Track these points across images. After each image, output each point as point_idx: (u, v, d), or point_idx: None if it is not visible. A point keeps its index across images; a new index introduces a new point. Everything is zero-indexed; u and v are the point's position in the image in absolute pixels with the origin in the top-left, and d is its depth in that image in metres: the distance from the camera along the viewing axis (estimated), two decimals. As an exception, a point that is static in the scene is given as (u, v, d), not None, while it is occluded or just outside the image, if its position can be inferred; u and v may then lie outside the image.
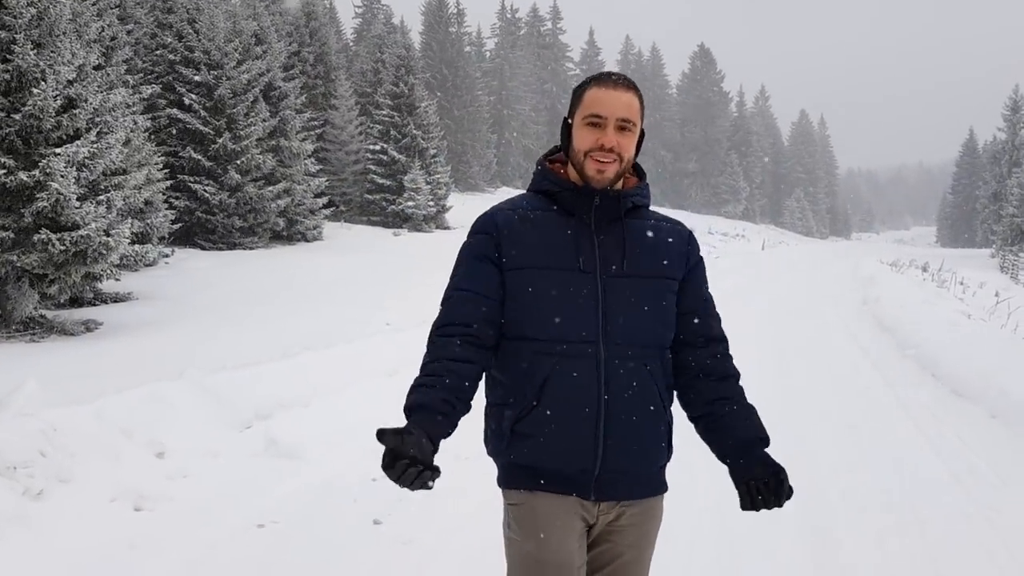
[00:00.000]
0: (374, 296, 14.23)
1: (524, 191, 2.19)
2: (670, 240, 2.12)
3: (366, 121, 35.19)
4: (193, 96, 21.32)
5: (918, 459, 5.67)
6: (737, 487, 2.04)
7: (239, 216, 21.66)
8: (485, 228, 2.06)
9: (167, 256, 17.80)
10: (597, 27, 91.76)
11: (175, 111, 21.02)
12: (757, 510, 2.01)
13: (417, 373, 1.96)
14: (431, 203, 33.21)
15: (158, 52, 21.76)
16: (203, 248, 20.99)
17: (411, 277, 17.65)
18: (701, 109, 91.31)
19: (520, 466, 2.00)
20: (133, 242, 13.46)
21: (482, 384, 2.07)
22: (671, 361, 2.12)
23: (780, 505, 1.98)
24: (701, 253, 2.19)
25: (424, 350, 2.00)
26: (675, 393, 2.17)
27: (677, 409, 2.17)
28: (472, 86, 61.72)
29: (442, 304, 2.07)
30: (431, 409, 1.85)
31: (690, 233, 2.23)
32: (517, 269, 1.99)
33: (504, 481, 2.07)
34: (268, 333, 9.67)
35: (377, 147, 33.76)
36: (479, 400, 2.07)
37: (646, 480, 2.06)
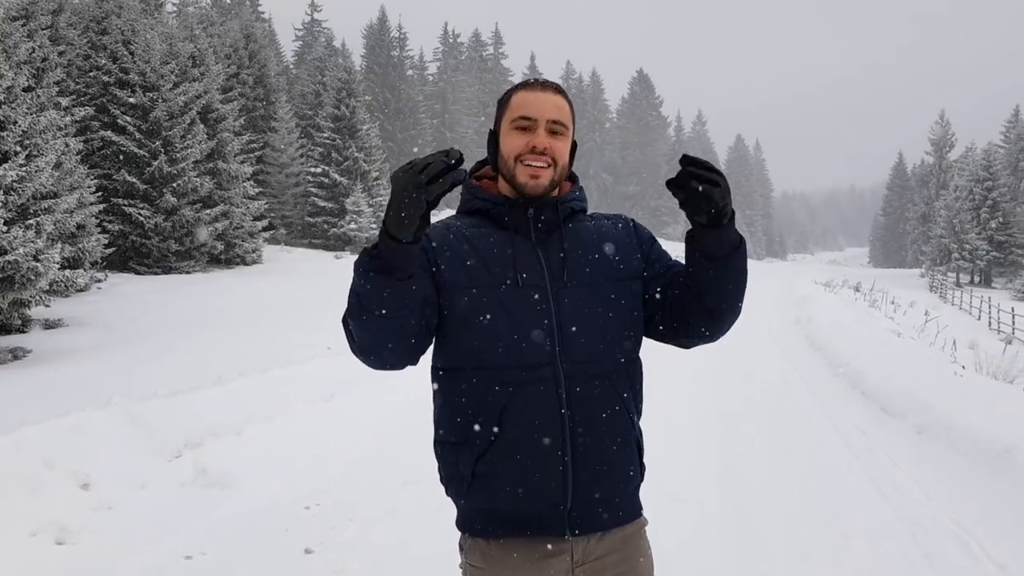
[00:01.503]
0: (314, 320, 14.07)
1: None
2: (615, 237, 1.93)
3: (307, 143, 34.99)
4: (128, 118, 20.96)
5: (847, 476, 5.80)
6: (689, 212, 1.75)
7: (175, 240, 21.27)
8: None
9: (100, 281, 17.39)
10: (538, 52, 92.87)
11: (109, 133, 20.64)
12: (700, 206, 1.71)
13: (348, 303, 1.72)
14: (374, 225, 33.07)
15: (92, 74, 21.37)
16: (138, 273, 20.56)
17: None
18: (640, 133, 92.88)
19: (483, 511, 1.80)
20: (64, 267, 13.14)
21: (428, 419, 1.90)
22: (640, 366, 1.94)
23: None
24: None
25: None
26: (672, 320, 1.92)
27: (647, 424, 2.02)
28: (415, 109, 61.84)
29: None
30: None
31: (631, 220, 2.03)
32: (456, 290, 1.77)
33: (466, 527, 1.86)
34: (202, 359, 9.50)
35: (318, 169, 33.56)
36: (414, 428, 2.02)
37: (622, 505, 1.87)
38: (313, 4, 66.28)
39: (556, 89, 1.86)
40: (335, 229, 32.60)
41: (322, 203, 33.08)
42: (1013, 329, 31.12)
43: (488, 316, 1.75)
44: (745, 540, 4.48)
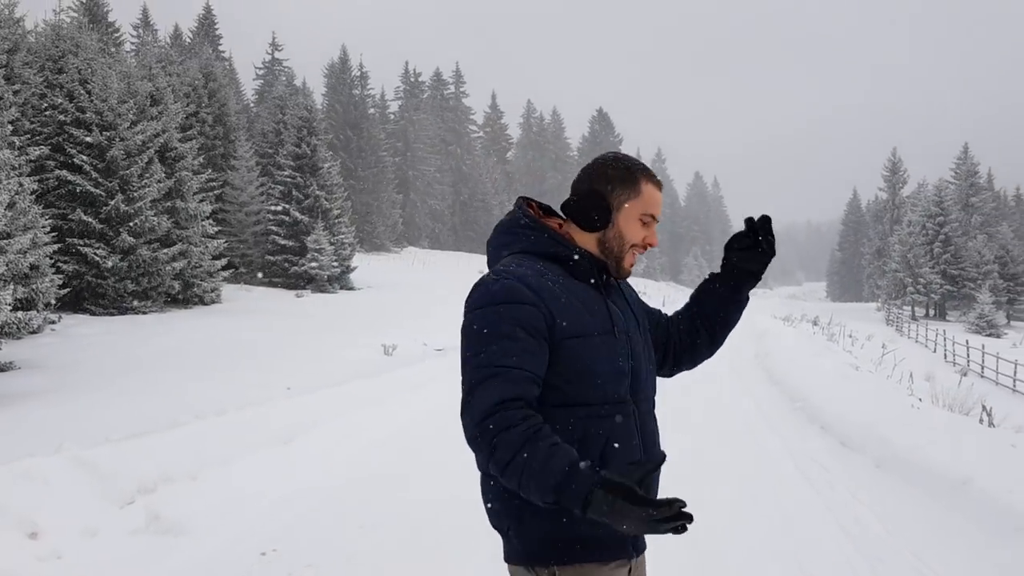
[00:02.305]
0: (273, 360, 13.91)
1: (503, 260, 2.04)
2: (635, 293, 2.26)
3: (267, 182, 34.81)
4: (84, 157, 20.67)
5: (808, 511, 5.82)
6: (739, 260, 2.29)
7: (131, 280, 20.94)
8: (525, 297, 1.86)
9: (54, 323, 17.03)
10: (499, 91, 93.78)
11: (65, 172, 20.32)
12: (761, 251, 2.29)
13: (513, 439, 1.71)
14: (335, 263, 32.89)
15: (47, 113, 21.09)
16: (93, 314, 20.15)
17: (315, 339, 17.36)
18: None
19: (583, 538, 1.88)
20: (16, 308, 12.85)
21: (467, 459, 1.95)
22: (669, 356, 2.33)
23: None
24: None
25: (488, 422, 1.74)
26: (686, 340, 2.34)
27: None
28: (376, 147, 61.96)
29: (489, 379, 1.79)
30: (579, 460, 1.70)
31: None
32: (571, 338, 1.90)
33: (560, 557, 1.89)
34: (158, 402, 9.31)
35: (279, 208, 33.37)
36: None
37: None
38: (274, 43, 66.46)
39: None
40: (296, 267, 32.34)
41: (283, 241, 32.85)
42: (968, 361, 31.71)
43: (595, 361, 1.93)
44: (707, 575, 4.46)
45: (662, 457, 1.78)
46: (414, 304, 28.19)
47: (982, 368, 30.03)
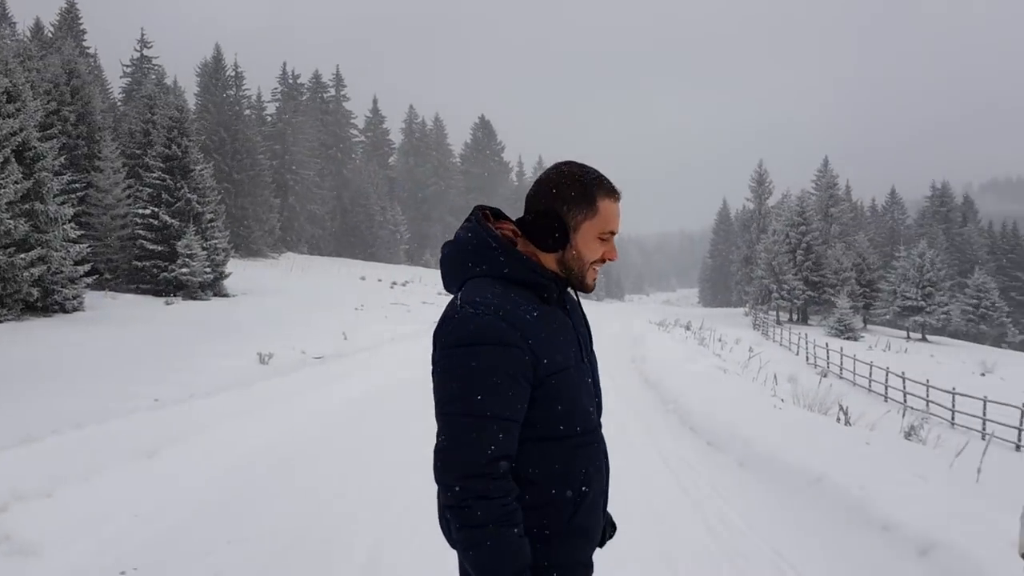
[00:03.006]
0: (140, 370, 13.31)
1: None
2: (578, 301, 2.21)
3: (135, 184, 33.30)
4: (-71, 155, 19.28)
5: (676, 509, 6.02)
6: None
7: (-16, 286, 19.64)
8: (510, 339, 1.79)
9: None
10: (381, 96, 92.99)
11: (-94, 171, 18.88)
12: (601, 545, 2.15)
13: (489, 511, 1.73)
14: (208, 270, 31.78)
15: None
16: (-61, 322, 18.80)
17: (186, 348, 16.72)
18: (484, 178, 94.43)
19: (574, 564, 1.94)
20: None
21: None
22: None
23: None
24: None
25: (473, 482, 1.74)
26: None
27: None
28: (253, 150, 60.23)
29: (472, 428, 1.76)
30: (529, 567, 1.79)
31: None
32: (554, 375, 1.86)
33: None
34: (11, 416, 8.76)
35: (147, 211, 31.99)
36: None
37: None
38: (143, 40, 63.65)
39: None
40: (166, 274, 31.07)
41: (152, 246, 31.49)
42: (828, 363, 33.49)
43: (574, 392, 1.92)
44: None
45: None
46: (293, 311, 27.55)
47: (840, 370, 31.78)
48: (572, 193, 1.93)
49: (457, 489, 1.73)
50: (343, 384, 12.41)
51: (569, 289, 2.06)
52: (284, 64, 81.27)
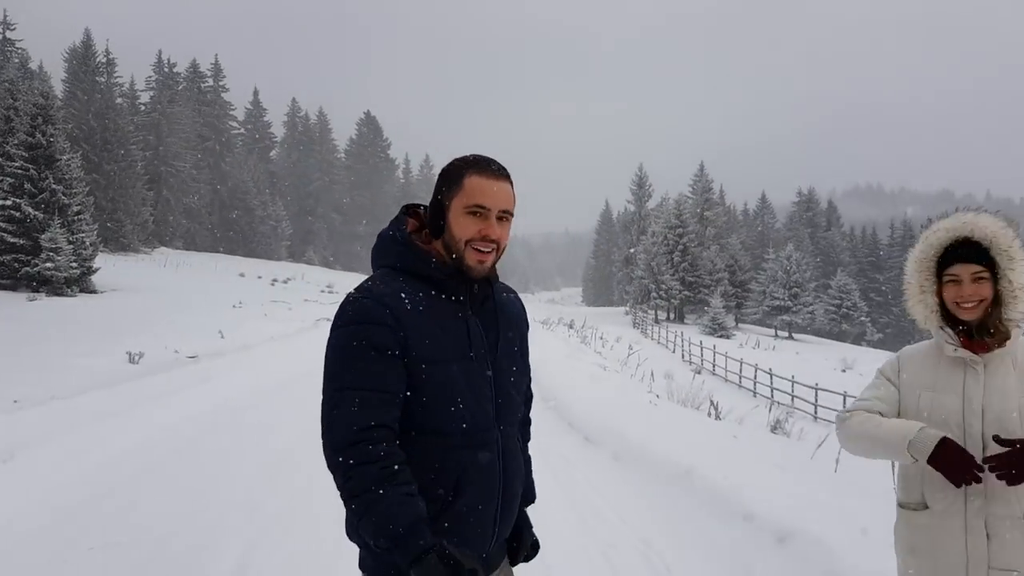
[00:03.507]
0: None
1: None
2: (519, 311, 2.17)
3: (-7, 173, 31.30)
4: None
5: (551, 503, 6.13)
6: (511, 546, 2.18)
7: None
8: (379, 318, 1.83)
9: None
10: (263, 87, 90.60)
11: None
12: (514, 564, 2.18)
13: (369, 476, 1.73)
14: (74, 264, 30.19)
15: None
16: None
17: (50, 347, 15.83)
18: (369, 174, 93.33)
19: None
20: None
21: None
22: None
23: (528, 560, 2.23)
24: None
25: (349, 451, 1.76)
26: None
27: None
28: (125, 140, 57.60)
29: (345, 402, 1.79)
30: (425, 518, 1.75)
31: (520, 299, 2.25)
32: (424, 363, 1.85)
33: None
34: None
35: (8, 202, 30.12)
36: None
37: (504, 545, 2.12)
38: (5, 22, 59.86)
39: (507, 175, 1.97)
40: (28, 268, 29.35)
41: (12, 239, 29.66)
42: (701, 360, 34.78)
43: (452, 388, 1.88)
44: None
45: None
46: (166, 309, 26.51)
47: (713, 366, 33.06)
48: (447, 176, 1.97)
49: (340, 460, 1.76)
50: (218, 384, 12.05)
51: (509, 296, 2.16)
52: (160, 52, 78.17)
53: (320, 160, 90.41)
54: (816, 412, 23.96)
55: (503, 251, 1.99)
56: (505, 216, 1.95)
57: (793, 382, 25.64)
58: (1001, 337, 2.34)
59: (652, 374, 20.20)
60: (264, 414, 9.49)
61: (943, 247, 2.42)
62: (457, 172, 1.94)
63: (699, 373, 29.36)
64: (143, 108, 71.11)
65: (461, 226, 1.91)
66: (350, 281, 62.82)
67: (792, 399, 25.43)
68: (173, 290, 34.01)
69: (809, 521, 5.25)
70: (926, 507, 2.42)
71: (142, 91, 73.67)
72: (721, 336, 51.43)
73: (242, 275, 49.85)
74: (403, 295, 1.88)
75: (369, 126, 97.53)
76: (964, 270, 2.34)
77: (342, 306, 1.89)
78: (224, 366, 14.49)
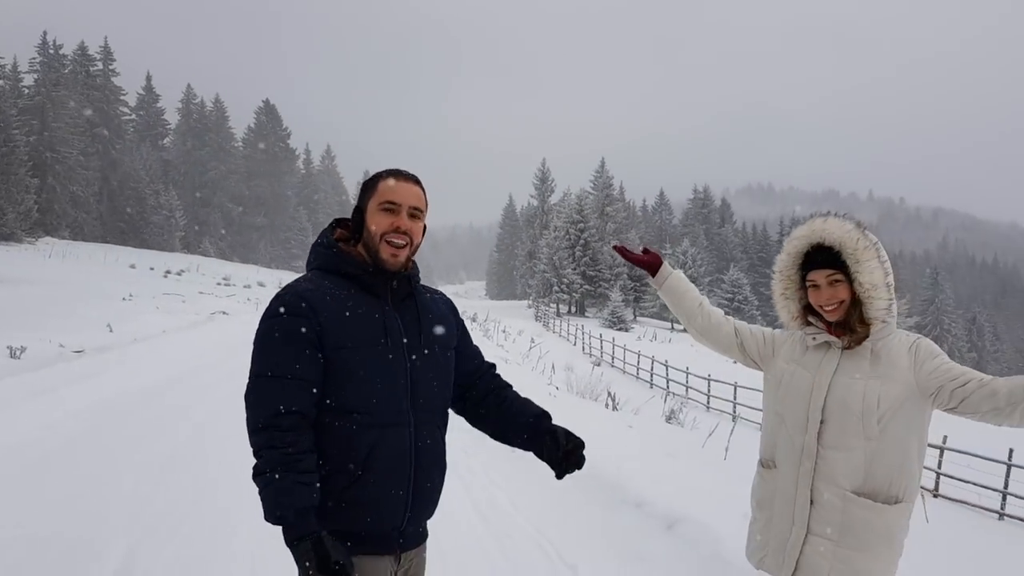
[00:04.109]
0: None
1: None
2: (445, 310, 2.39)
3: None
4: None
5: (449, 496, 6.16)
6: (548, 459, 2.35)
7: None
8: (296, 310, 2.07)
9: None
10: (156, 72, 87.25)
11: None
12: (568, 472, 2.34)
13: (273, 459, 1.95)
14: (-53, 255, 28.49)
15: None
16: None
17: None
18: (268, 164, 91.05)
19: (342, 533, 2.05)
20: None
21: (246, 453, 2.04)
22: (461, 400, 2.47)
23: (580, 466, 2.34)
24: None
25: (261, 434, 1.98)
26: (467, 410, 2.50)
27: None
28: (7, 124, 54.52)
29: (264, 387, 2.03)
30: (316, 509, 1.96)
31: (450, 299, 2.49)
32: (338, 348, 2.06)
33: None
34: None
35: None
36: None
37: (425, 526, 2.33)
38: None
39: (416, 180, 2.25)
40: None
41: None
42: (601, 353, 35.40)
43: (365, 373, 2.08)
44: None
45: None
46: (51, 301, 25.26)
47: (612, 359, 33.71)
48: (365, 186, 2.27)
49: (253, 441, 1.99)
50: (105, 380, 11.59)
51: (434, 296, 2.38)
52: (44, 33, 74.26)
53: (217, 149, 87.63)
54: (709, 402, 24.75)
55: (416, 248, 2.23)
56: (416, 213, 2.21)
57: (687, 373, 26.40)
58: (860, 336, 2.50)
59: (553, 366, 20.49)
60: (153, 411, 9.20)
61: (802, 254, 2.58)
62: (373, 180, 2.25)
63: (598, 365, 29.90)
64: (26, 91, 67.42)
65: (376, 222, 2.17)
66: (248, 273, 61.26)
67: (686, 390, 26.19)
68: (59, 281, 32.43)
69: (697, 507, 5.46)
70: (775, 466, 2.62)
71: (25, 73, 69.84)
72: (620, 329, 52.50)
73: (133, 266, 47.90)
74: (324, 290, 2.12)
75: (268, 115, 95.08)
76: (820, 275, 2.51)
77: (270, 301, 2.14)
78: (112, 361, 13.95)
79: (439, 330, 2.30)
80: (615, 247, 3.10)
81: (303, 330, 2.04)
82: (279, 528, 1.95)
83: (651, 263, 2.97)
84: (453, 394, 2.42)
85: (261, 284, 52.39)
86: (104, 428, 8.13)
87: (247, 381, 2.06)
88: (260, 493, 1.94)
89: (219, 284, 47.39)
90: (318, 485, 1.98)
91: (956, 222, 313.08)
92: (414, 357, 2.18)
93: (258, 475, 1.95)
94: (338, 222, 2.33)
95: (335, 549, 1.91)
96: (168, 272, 48.16)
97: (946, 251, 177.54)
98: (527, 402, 2.53)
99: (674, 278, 2.98)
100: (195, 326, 22.26)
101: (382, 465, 2.09)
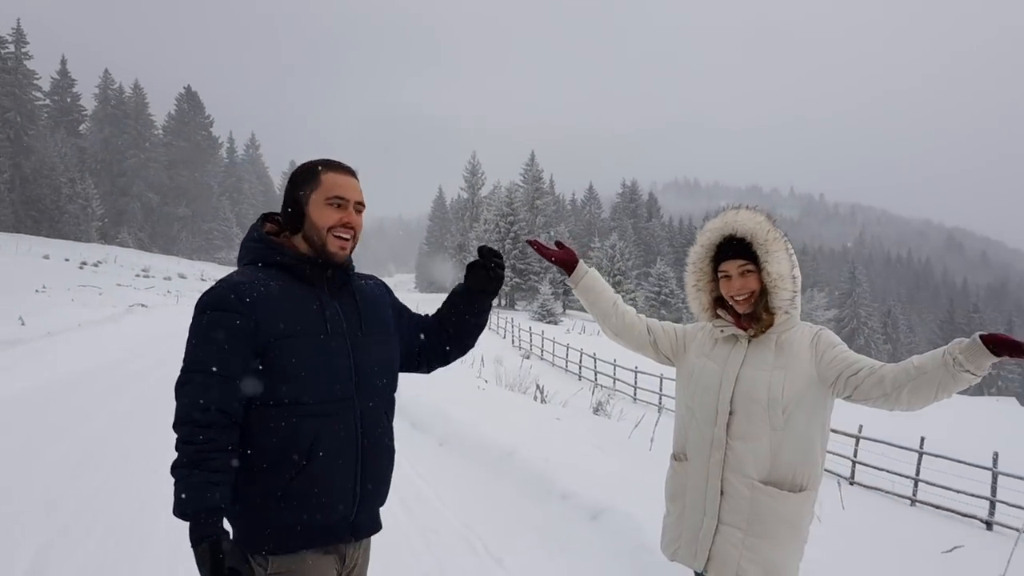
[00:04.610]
0: None
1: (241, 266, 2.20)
2: (380, 294, 2.39)
3: None
4: None
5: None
6: (473, 283, 2.50)
7: None
8: (228, 304, 2.03)
9: None
10: (72, 56, 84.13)
11: None
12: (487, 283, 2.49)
13: (187, 455, 1.92)
14: None
15: None
16: None
17: None
18: (190, 153, 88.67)
19: (290, 526, 2.05)
20: None
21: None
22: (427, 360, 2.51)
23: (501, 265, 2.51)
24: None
25: (181, 428, 1.96)
26: (437, 357, 2.53)
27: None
28: (-94, 107, 51.87)
29: (190, 382, 2.00)
30: (223, 510, 1.92)
31: (383, 282, 2.50)
32: (276, 338, 2.04)
33: (272, 546, 2.07)
34: None
35: None
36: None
37: (377, 515, 2.29)
38: None
39: (356, 174, 2.26)
40: None
41: None
42: (531, 346, 35.58)
43: (306, 361, 2.06)
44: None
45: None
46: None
47: (542, 351, 33.90)
48: (301, 176, 2.22)
49: (176, 434, 1.95)
50: (16, 374, 11.13)
51: (368, 282, 2.37)
52: (-52, 11, 70.78)
53: (136, 136, 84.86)
54: (635, 394, 25.13)
55: (358, 239, 2.26)
56: (360, 208, 2.23)
57: (615, 366, 26.72)
58: (764, 325, 2.57)
59: (482, 359, 20.49)
60: (67, 406, 8.88)
61: (714, 246, 2.63)
62: (312, 170, 2.21)
63: (528, 358, 30.06)
64: (-71, 72, 64.24)
65: (323, 216, 2.16)
66: (168, 265, 59.70)
67: (614, 382, 26.52)
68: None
69: (622, 498, 5.51)
70: (686, 458, 2.67)
71: (-72, 53, 66.52)
72: (549, 322, 52.87)
73: (47, 257, 46.15)
74: (258, 283, 2.09)
75: (190, 102, 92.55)
76: (732, 265, 2.56)
77: (202, 295, 2.10)
78: (24, 355, 13.41)
79: (378, 315, 2.31)
80: (529, 241, 3.07)
81: (236, 324, 2.01)
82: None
83: (566, 260, 2.92)
84: (421, 361, 2.49)
85: (182, 276, 51.16)
86: (14, 425, 7.82)
87: (180, 374, 2.03)
88: (174, 487, 1.91)
89: (138, 276, 46.10)
90: (228, 487, 1.95)
91: (873, 218, 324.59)
92: (356, 344, 2.18)
93: (174, 469, 1.93)
94: (266, 216, 2.30)
95: (231, 554, 1.88)
96: (84, 263, 46.58)
97: (863, 246, 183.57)
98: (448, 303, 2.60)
99: (590, 277, 2.94)
100: (113, 319, 21.56)
101: (328, 453, 2.07)
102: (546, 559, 4.73)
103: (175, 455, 1.93)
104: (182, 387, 2.00)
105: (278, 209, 2.30)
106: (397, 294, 2.55)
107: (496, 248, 2.97)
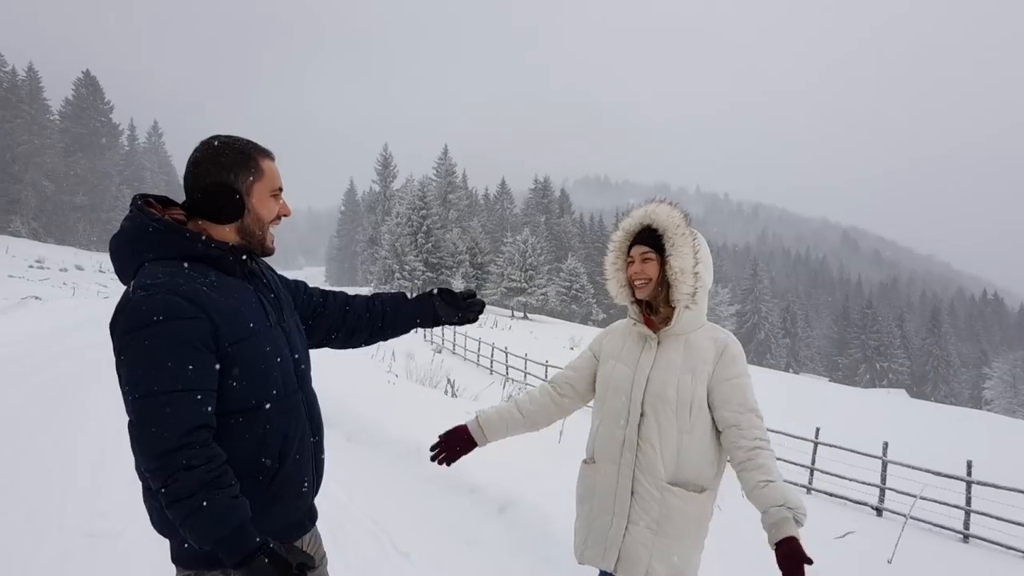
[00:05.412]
0: None
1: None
2: (279, 279, 2.31)
3: None
4: None
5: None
6: (444, 315, 2.58)
7: None
8: (184, 311, 1.80)
9: None
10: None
11: None
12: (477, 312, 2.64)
13: (194, 480, 1.74)
14: None
15: None
16: None
17: None
18: (88, 139, 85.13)
19: (271, 532, 1.93)
20: None
21: (125, 461, 1.86)
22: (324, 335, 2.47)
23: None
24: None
25: (172, 457, 1.74)
26: (337, 339, 2.51)
27: None
28: None
29: (170, 404, 1.75)
30: (250, 518, 1.81)
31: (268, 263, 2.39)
32: (234, 342, 1.89)
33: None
34: None
35: None
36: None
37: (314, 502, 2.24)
38: None
39: None
40: None
41: None
42: (443, 340, 35.52)
43: (266, 359, 1.96)
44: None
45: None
46: None
47: (453, 346, 33.90)
48: (235, 161, 1.97)
49: (156, 468, 1.73)
50: None
51: (260, 266, 2.20)
52: None
53: (29, 121, 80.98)
54: (546, 388, 25.35)
55: None
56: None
57: (526, 360, 26.93)
58: (663, 317, 2.67)
59: (393, 354, 20.39)
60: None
61: (633, 233, 2.72)
62: (247, 157, 1.99)
63: (439, 353, 30.00)
64: None
65: (268, 209, 2.03)
66: (65, 256, 57.20)
67: (525, 375, 26.72)
68: None
69: (530, 490, 5.58)
70: (595, 461, 2.74)
71: None
72: (461, 316, 52.76)
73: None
74: (197, 283, 1.88)
75: (89, 87, 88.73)
76: (637, 251, 2.67)
77: (132, 308, 1.79)
78: (-98, 351, 12.66)
79: (289, 301, 2.25)
80: (433, 459, 2.95)
81: (195, 332, 1.80)
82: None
83: (462, 437, 2.89)
84: (320, 335, 2.45)
85: (79, 267, 49.14)
86: None
87: (131, 403, 1.76)
88: (181, 520, 1.74)
89: (31, 267, 44.07)
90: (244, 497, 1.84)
91: (774, 216, 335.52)
92: (287, 332, 2.11)
93: (177, 502, 1.72)
94: (146, 199, 1.99)
95: (293, 554, 1.83)
96: (-29, 254, 44.21)
97: (765, 244, 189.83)
98: (371, 298, 2.57)
99: (487, 426, 2.90)
100: (3, 312, 20.55)
101: (294, 452, 2.02)
102: (453, 553, 4.75)
103: (169, 487, 1.73)
104: (155, 414, 1.74)
105: (182, 199, 2.04)
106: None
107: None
